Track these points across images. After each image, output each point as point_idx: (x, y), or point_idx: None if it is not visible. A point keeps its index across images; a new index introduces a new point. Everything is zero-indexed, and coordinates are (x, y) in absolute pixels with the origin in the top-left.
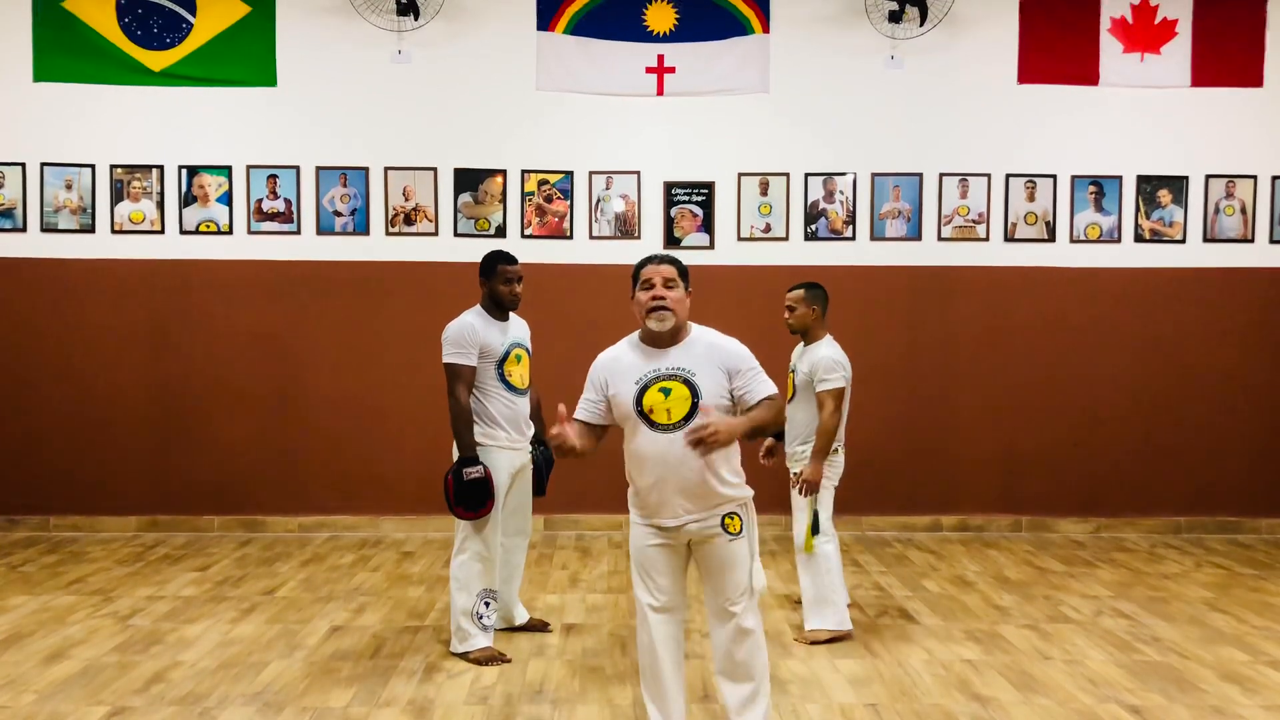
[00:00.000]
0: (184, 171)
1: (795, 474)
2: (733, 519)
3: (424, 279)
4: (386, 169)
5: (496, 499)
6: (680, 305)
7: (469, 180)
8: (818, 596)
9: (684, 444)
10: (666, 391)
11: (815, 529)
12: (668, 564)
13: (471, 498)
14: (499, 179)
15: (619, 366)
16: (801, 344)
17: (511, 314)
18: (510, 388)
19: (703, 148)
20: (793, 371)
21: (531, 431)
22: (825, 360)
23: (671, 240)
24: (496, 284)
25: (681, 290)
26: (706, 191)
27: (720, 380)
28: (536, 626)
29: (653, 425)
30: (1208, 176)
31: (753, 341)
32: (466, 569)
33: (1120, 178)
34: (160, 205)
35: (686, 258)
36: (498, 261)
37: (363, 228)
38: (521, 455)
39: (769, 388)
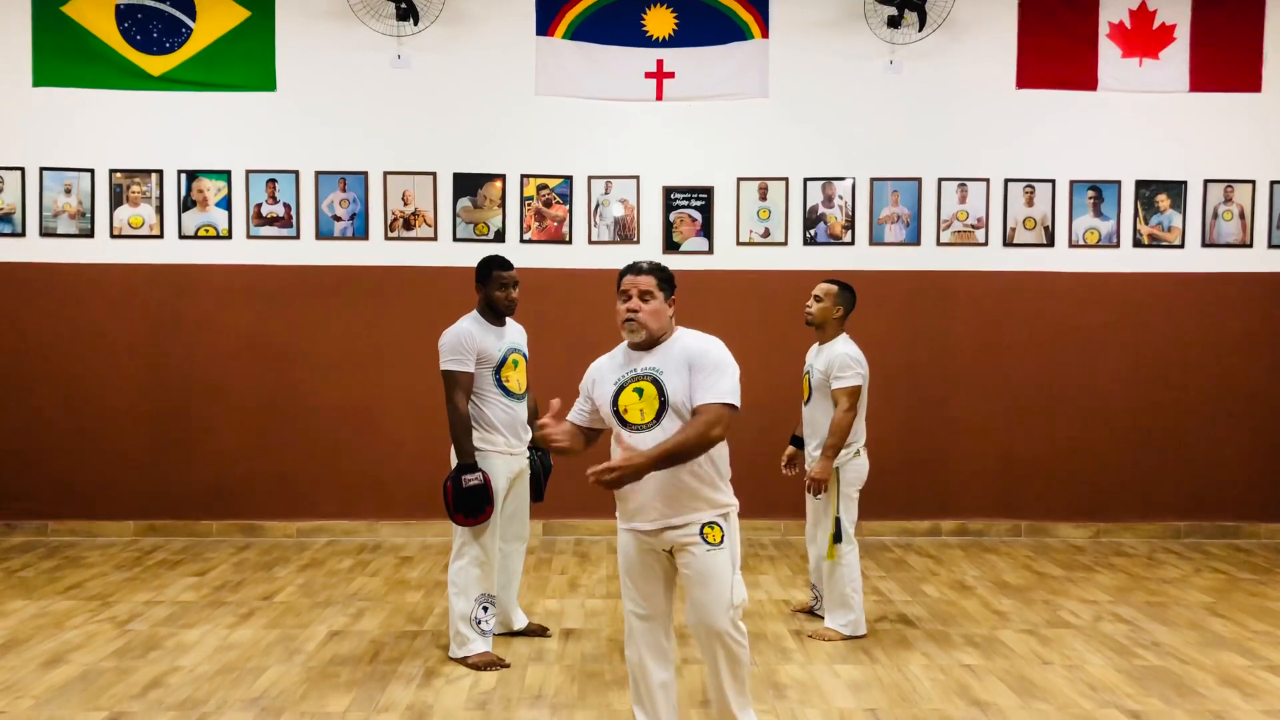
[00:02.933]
0: (183, 176)
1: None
2: (713, 528)
3: (423, 283)
4: (386, 173)
5: (495, 504)
6: (654, 317)
7: (468, 185)
8: (838, 599)
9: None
10: (640, 392)
11: (838, 536)
12: (649, 570)
13: (470, 504)
14: (498, 184)
15: (602, 371)
16: (817, 344)
17: (508, 319)
18: (508, 393)
19: (702, 152)
20: (808, 372)
21: (529, 436)
22: (841, 358)
23: (670, 245)
24: (492, 290)
25: (660, 300)
26: (705, 196)
27: (685, 377)
28: (535, 631)
29: (626, 425)
30: (1206, 181)
31: (751, 345)
32: (465, 574)
33: (1119, 183)
34: (159, 210)
35: (685, 262)
36: (493, 267)
37: (362, 232)
38: (519, 460)
39: (713, 394)
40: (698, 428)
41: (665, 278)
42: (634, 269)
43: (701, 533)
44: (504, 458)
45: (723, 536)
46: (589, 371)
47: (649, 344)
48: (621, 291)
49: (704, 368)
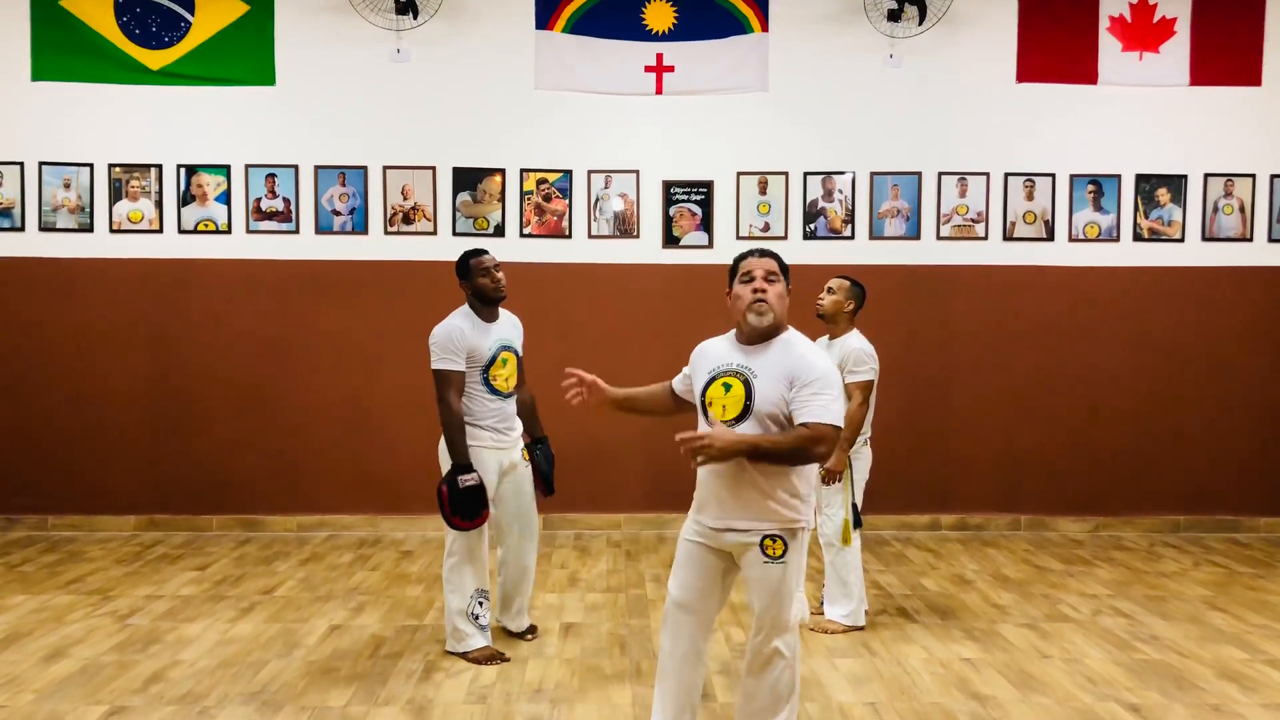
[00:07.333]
0: (182, 171)
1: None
2: (774, 542)
3: (423, 278)
4: (385, 168)
5: (489, 504)
6: (780, 302)
7: (468, 179)
8: (839, 586)
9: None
10: (728, 387)
11: (857, 522)
12: (700, 562)
13: (467, 505)
14: (498, 178)
15: (707, 354)
16: (826, 338)
17: (502, 311)
18: (494, 391)
19: (701, 147)
20: None
21: (519, 428)
22: (856, 352)
23: (670, 239)
24: (476, 279)
25: (782, 285)
26: (705, 190)
27: (780, 388)
28: (523, 635)
29: (709, 419)
30: (1206, 175)
31: None
32: (458, 571)
33: (1119, 177)
34: (159, 204)
35: (685, 257)
36: (469, 258)
37: (361, 227)
38: (509, 453)
39: (822, 415)
40: (801, 439)
41: (784, 265)
42: (755, 253)
43: (762, 544)
44: (493, 452)
45: (784, 552)
46: (697, 350)
47: (763, 336)
48: (743, 274)
49: (811, 383)
